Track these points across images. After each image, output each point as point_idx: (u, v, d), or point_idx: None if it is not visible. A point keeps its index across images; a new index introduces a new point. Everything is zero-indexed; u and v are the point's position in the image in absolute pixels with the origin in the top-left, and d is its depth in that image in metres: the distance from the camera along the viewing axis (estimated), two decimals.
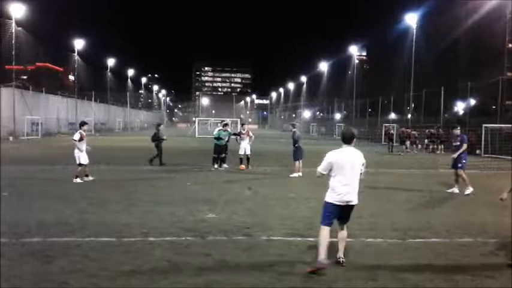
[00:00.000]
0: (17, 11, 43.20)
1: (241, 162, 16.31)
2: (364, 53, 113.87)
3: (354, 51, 65.23)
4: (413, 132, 30.91)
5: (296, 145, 14.86)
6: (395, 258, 5.91)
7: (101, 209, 8.73)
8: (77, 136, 12.54)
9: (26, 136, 39.78)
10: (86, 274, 5.07)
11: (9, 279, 4.87)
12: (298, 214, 8.60)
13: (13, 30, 42.49)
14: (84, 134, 12.67)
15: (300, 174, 14.47)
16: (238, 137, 17.04)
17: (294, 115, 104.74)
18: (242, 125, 18.08)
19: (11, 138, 37.06)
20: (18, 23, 43.95)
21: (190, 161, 19.25)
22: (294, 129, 15.51)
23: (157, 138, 17.70)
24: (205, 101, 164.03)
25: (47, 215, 8.01)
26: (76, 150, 12.47)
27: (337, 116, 72.06)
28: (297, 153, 14.79)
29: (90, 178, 12.57)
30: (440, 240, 6.92)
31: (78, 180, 12.19)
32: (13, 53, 42.06)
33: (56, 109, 51.18)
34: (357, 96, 60.20)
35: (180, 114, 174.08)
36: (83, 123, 13.21)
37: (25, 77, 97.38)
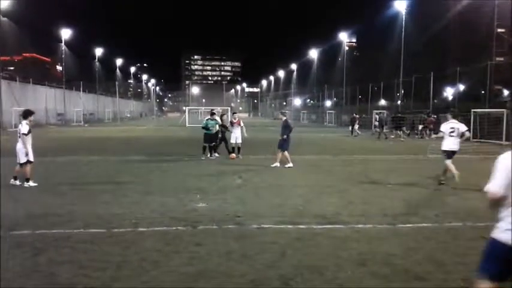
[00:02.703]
0: (2, 2, 42.37)
1: (232, 151, 16.28)
2: (354, 40, 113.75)
3: (344, 37, 65.13)
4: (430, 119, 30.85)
5: (286, 135, 13.96)
6: (385, 244, 5.94)
7: (90, 200, 8.66)
8: (25, 128, 10.05)
9: (14, 128, 39.31)
10: (74, 265, 5.02)
11: None
12: (289, 202, 8.61)
13: None
14: (30, 125, 10.22)
15: (291, 164, 13.79)
16: (229, 126, 16.96)
17: (284, 103, 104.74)
18: (233, 113, 17.94)
19: None
20: (3, 14, 43.13)
21: (180, 151, 19.17)
22: (284, 117, 14.60)
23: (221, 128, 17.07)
24: (195, 90, 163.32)
25: (35, 207, 7.92)
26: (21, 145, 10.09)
27: (328, 103, 72.14)
28: (287, 144, 14.01)
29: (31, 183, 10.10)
30: (429, 225, 6.97)
31: (18, 182, 10.14)
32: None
33: (44, 100, 50.62)
34: (347, 83, 60.26)
35: (170, 103, 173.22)
36: (29, 113, 10.41)
37: (12, 68, 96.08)
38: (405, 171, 13.52)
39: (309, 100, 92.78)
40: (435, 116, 30.40)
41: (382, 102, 53.45)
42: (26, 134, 10.01)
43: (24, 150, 10.01)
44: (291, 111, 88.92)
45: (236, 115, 17.35)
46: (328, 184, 10.80)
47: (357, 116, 35.68)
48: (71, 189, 9.71)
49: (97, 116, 70.99)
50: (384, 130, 29.87)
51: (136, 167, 13.77)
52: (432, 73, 37.32)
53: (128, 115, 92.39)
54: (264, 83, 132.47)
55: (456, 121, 11.09)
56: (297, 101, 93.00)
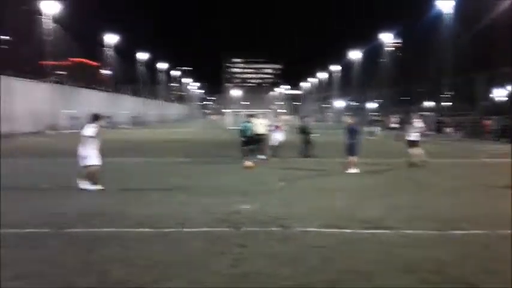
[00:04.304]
0: (52, 8, 44.49)
1: (273, 153, 16.18)
2: (398, 40, 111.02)
3: (387, 37, 63.72)
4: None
5: (355, 139, 13.19)
6: (435, 250, 5.75)
7: (139, 200, 8.91)
8: (89, 131, 9.89)
9: (65, 130, 41.09)
10: (125, 263, 5.19)
11: (54, 267, 5.04)
12: (335, 205, 8.51)
13: (49, 27, 43.77)
14: (98, 130, 10.10)
15: (357, 170, 12.88)
16: (272, 128, 16.86)
17: (326, 105, 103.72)
18: (276, 116, 17.78)
19: (50, 132, 38.38)
20: (53, 20, 45.24)
21: (222, 153, 19.37)
22: (350, 121, 13.69)
23: (304, 131, 17.29)
24: (236, 92, 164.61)
25: (87, 206, 8.25)
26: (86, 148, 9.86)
27: (370, 105, 70.80)
28: (357, 148, 13.15)
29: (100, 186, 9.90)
30: (481, 232, 6.68)
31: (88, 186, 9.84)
32: (49, 49, 43.43)
33: (92, 103, 52.60)
34: (390, 84, 58.90)
35: (212, 106, 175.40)
36: (97, 117, 10.41)
37: (61, 72, 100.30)
38: (455, 175, 13.06)
39: (351, 102, 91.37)
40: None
41: (428, 103, 51.88)
42: (90, 137, 9.75)
43: (85, 153, 9.74)
44: (332, 113, 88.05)
45: (281, 117, 17.17)
46: (373, 188, 10.60)
47: (377, 117, 35.97)
48: (120, 190, 10.00)
49: (142, 118, 73.02)
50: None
51: (181, 169, 14.04)
52: (480, 74, 35.83)
53: (173, 117, 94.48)
54: (305, 85, 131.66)
55: None
56: (339, 103, 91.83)
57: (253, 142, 16.53)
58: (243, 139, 16.33)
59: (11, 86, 35.09)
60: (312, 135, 17.32)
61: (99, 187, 9.74)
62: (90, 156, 9.72)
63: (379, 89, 66.04)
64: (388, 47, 65.17)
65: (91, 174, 9.77)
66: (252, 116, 17.10)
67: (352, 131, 13.29)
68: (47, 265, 5.09)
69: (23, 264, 5.14)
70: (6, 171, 13.72)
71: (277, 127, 16.52)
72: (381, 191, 10.24)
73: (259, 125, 16.74)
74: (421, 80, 51.53)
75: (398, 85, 58.12)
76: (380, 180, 12.02)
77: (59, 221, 7.09)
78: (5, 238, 6.16)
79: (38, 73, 50.19)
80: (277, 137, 16.33)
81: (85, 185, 9.75)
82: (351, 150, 13.09)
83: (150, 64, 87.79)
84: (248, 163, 14.02)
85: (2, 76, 35.00)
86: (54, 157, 17.76)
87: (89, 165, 9.76)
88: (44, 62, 51.88)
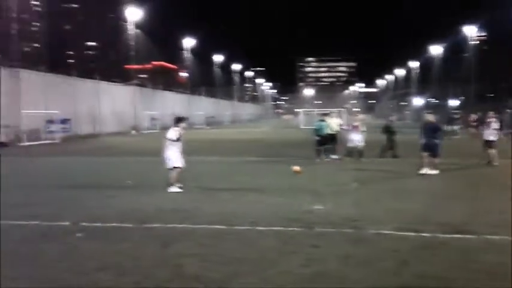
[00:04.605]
0: (135, 15, 47.16)
1: (349, 154, 15.77)
2: (483, 33, 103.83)
3: (471, 31, 59.77)
4: None
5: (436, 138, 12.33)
6: None
7: (212, 198, 9.16)
8: (172, 135, 9.85)
9: (147, 130, 43.44)
10: (199, 259, 5.35)
11: (133, 259, 5.34)
12: (410, 207, 8.15)
13: (132, 33, 46.49)
14: (181, 132, 10.01)
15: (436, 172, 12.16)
16: (349, 128, 16.27)
17: (404, 103, 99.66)
18: (355, 116, 17.09)
19: (133, 132, 40.78)
20: (136, 26, 47.96)
21: (295, 152, 19.32)
22: (431, 119, 12.95)
23: (389, 130, 17.00)
24: (309, 91, 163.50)
25: (165, 203, 8.63)
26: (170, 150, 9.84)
27: (453, 102, 66.85)
28: (439, 148, 12.35)
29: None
30: None
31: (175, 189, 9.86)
32: (132, 53, 46.14)
33: (171, 104, 55.08)
34: (475, 80, 55.20)
35: (285, 105, 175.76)
36: (181, 119, 10.35)
37: (143, 76, 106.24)
38: None
39: (430, 99, 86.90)
40: None
41: None
42: (173, 140, 9.75)
43: (169, 156, 9.77)
44: (410, 111, 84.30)
45: (358, 117, 16.53)
46: (456, 189, 10.01)
47: (457, 115, 34.25)
48: (195, 187, 10.34)
49: (217, 118, 75.05)
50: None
51: (253, 168, 14.23)
52: None
53: (246, 118, 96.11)
54: (381, 82, 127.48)
55: None
56: (418, 101, 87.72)
57: (327, 141, 16.30)
58: (317, 138, 16.14)
59: (98, 89, 37.76)
60: (397, 134, 16.62)
61: (177, 189, 9.79)
62: (173, 158, 9.80)
63: (462, 85, 62.15)
64: (472, 40, 61.07)
65: (174, 176, 9.87)
66: (326, 115, 16.82)
67: (433, 130, 12.50)
68: (126, 258, 5.40)
69: (106, 256, 5.49)
70: (92, 170, 14.81)
71: (354, 127, 15.93)
72: (461, 193, 9.63)
73: (333, 124, 16.47)
74: (508, 75, 47.67)
75: (483, 81, 54.25)
76: (459, 181, 11.32)
77: (139, 216, 7.50)
78: (91, 231, 6.64)
79: (122, 76, 53.55)
80: (355, 137, 15.68)
81: (172, 188, 9.80)
82: (431, 150, 12.26)
83: (224, 66, 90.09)
84: (297, 167, 12.42)
85: (90, 80, 37.84)
86: (136, 156, 18.85)
87: (173, 168, 9.84)
88: (128, 66, 55.12)
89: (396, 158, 15.88)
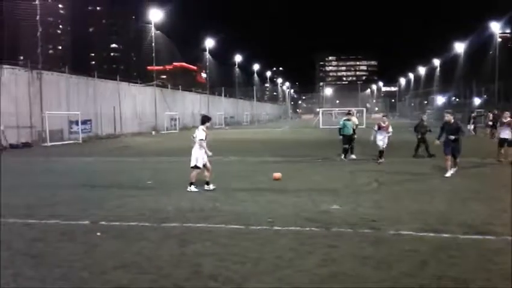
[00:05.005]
0: (156, 16, 47.66)
1: (380, 156, 15.12)
2: (508, 30, 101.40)
3: (496, 28, 58.39)
4: None
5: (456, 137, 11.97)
6: None
7: (230, 197, 9.19)
8: (201, 134, 9.96)
9: (166, 130, 43.87)
10: (216, 258, 5.38)
11: (151, 258, 5.40)
12: (431, 208, 8.01)
13: (153, 34, 47.01)
14: (207, 131, 10.17)
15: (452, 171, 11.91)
16: (376, 130, 15.76)
17: (425, 101, 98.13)
18: (383, 116, 16.47)
19: (153, 132, 41.23)
20: (156, 28, 48.46)
21: (314, 152, 19.25)
22: (451, 117, 12.48)
23: (420, 129, 16.78)
24: (329, 91, 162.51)
25: (183, 202, 8.70)
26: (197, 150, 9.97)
27: (476, 101, 65.47)
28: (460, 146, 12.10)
29: (211, 187, 10.11)
30: None
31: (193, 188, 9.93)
32: (154, 55, 46.66)
33: (190, 105, 55.47)
34: (499, 78, 53.89)
35: (304, 105, 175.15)
36: (206, 119, 10.43)
37: (164, 76, 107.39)
38: None
39: (453, 98, 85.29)
40: None
41: None
42: (200, 140, 9.84)
43: (196, 155, 9.88)
44: (432, 110, 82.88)
45: (385, 119, 15.89)
46: (476, 189, 9.80)
47: (479, 114, 33.47)
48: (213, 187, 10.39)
49: (236, 118, 75.24)
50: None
51: (271, 168, 14.19)
52: None
53: (267, 117, 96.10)
54: (403, 81, 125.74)
55: None
56: (440, 99, 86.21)
57: (351, 141, 16.08)
58: (342, 138, 15.93)
59: (119, 90, 38.31)
60: (428, 133, 16.30)
61: (194, 188, 9.87)
62: (198, 158, 9.88)
63: (485, 83, 60.81)
64: (499, 37, 59.64)
65: (194, 176, 9.92)
66: (350, 113, 16.63)
67: (453, 129, 12.10)
68: (144, 257, 5.47)
69: (125, 255, 5.57)
70: (113, 170, 15.03)
71: (380, 127, 15.21)
72: (482, 193, 9.43)
73: (352, 124, 16.29)
74: None
75: (507, 79, 52.93)
76: (480, 181, 11.07)
77: (158, 216, 7.59)
78: (111, 230, 6.75)
79: (144, 78, 54.18)
80: (381, 138, 15.08)
81: (191, 187, 9.88)
82: (453, 151, 11.90)
83: (244, 66, 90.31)
84: (277, 174, 11.53)
85: (111, 81, 38.43)
86: (156, 156, 19.06)
87: (196, 167, 9.90)
88: (150, 67, 55.70)
89: (432, 157, 15.58)
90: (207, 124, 10.20)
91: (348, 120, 16.17)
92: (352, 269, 5.00)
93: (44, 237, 6.41)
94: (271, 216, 7.40)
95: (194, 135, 10.07)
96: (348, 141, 15.96)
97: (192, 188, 9.85)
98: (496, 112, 29.71)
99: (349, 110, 17.77)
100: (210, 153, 10.08)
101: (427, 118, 16.60)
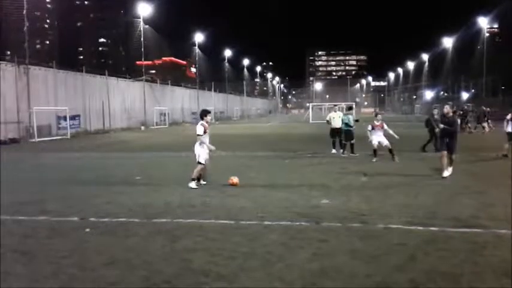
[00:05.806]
0: (145, 10, 47.25)
1: (375, 155, 14.52)
2: (496, 25, 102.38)
3: (484, 23, 58.92)
4: None
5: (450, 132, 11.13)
6: None
7: (220, 192, 9.17)
8: (199, 130, 9.85)
9: (156, 125, 43.64)
10: (206, 253, 5.37)
11: (141, 254, 5.38)
12: (419, 202, 8.09)
13: (141, 28, 46.59)
14: (207, 125, 10.01)
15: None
16: (371, 130, 15.50)
17: (414, 96, 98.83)
18: (376, 115, 16.26)
19: (142, 127, 40.99)
20: (145, 22, 48.04)
21: (304, 147, 19.29)
22: (450, 111, 11.69)
23: (431, 124, 16.26)
24: (319, 86, 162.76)
25: (173, 198, 8.67)
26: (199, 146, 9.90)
27: (464, 95, 66.10)
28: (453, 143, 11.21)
29: (202, 182, 10.03)
30: None
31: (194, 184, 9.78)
32: (143, 50, 46.29)
33: (180, 100, 55.19)
34: (487, 73, 54.46)
35: (294, 100, 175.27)
36: (205, 113, 10.26)
37: (153, 71, 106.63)
38: None
39: (442, 93, 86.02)
40: None
41: None
42: (200, 135, 9.75)
43: (197, 152, 9.82)
44: (421, 104, 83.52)
45: (379, 116, 15.41)
46: (464, 184, 9.90)
47: (469, 109, 34.60)
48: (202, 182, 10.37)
49: (226, 113, 75.08)
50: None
51: (261, 163, 14.23)
52: None
53: (257, 112, 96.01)
54: (392, 75, 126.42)
55: None
56: (428, 94, 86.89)
57: (350, 136, 15.79)
58: (347, 133, 15.74)
59: (108, 85, 37.98)
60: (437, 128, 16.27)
61: (194, 185, 9.71)
62: (200, 154, 9.82)
63: (474, 78, 61.41)
64: (484, 32, 60.19)
65: (197, 172, 9.82)
66: (351, 108, 16.56)
67: (449, 122, 11.27)
68: (134, 253, 5.44)
69: (114, 251, 5.54)
70: (101, 166, 14.93)
71: (374, 127, 14.54)
72: (472, 187, 9.53)
73: (338, 119, 16.20)
74: None
75: (494, 74, 53.52)
76: (469, 176, 11.17)
77: (147, 211, 7.55)
78: (100, 226, 6.70)
79: (133, 72, 53.73)
80: (376, 137, 14.44)
81: (191, 183, 9.75)
82: (449, 147, 11.08)
83: (234, 61, 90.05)
84: (234, 180, 10.19)
85: (100, 76, 38.08)
86: (145, 152, 18.96)
87: (199, 163, 9.82)
88: (139, 62, 55.21)
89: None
90: (207, 118, 10.06)
91: (350, 114, 16.21)
92: (342, 263, 5.03)
93: (34, 234, 6.35)
94: (261, 211, 7.41)
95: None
96: (351, 136, 15.84)
97: (192, 184, 9.70)
98: (488, 109, 30.12)
99: (350, 105, 17.64)
100: (212, 148, 10.03)
101: (437, 112, 16.39)
